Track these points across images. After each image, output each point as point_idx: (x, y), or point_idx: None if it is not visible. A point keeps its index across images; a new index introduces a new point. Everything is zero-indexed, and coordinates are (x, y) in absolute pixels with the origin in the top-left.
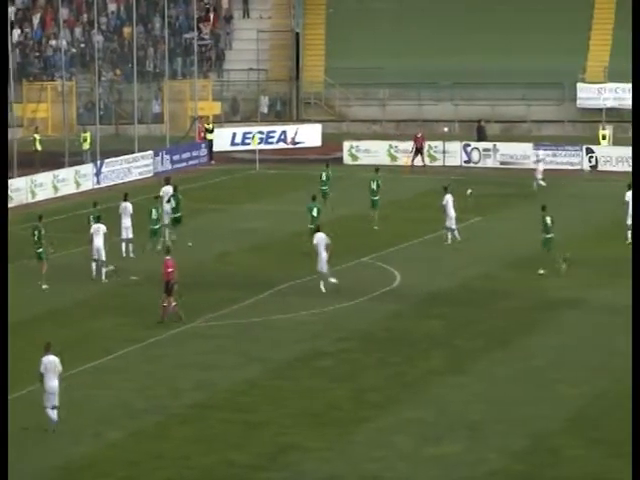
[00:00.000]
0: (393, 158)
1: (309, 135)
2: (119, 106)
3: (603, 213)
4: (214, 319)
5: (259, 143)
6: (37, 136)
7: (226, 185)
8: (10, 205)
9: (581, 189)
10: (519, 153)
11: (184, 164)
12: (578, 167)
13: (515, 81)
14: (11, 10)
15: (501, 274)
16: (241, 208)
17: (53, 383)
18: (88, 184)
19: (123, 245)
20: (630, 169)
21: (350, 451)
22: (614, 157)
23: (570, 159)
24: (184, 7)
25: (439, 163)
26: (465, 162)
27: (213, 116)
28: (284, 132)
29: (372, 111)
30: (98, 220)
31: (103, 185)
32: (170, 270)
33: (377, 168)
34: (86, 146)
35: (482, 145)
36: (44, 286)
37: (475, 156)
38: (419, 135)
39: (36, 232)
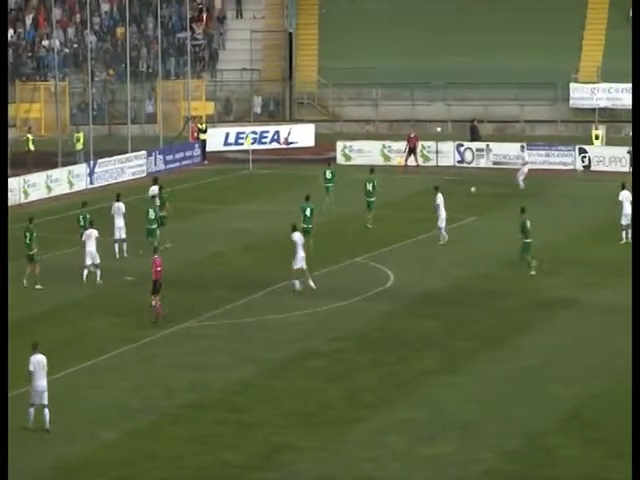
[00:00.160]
0: (386, 158)
1: (302, 135)
2: (112, 106)
3: (596, 213)
4: (208, 319)
5: (252, 143)
6: (30, 136)
7: (219, 185)
8: None
9: (574, 189)
10: (512, 153)
11: (177, 164)
12: (571, 167)
13: (508, 81)
14: None
15: (495, 274)
16: (234, 208)
17: (42, 382)
18: (81, 184)
19: (116, 246)
20: (623, 169)
21: (344, 451)
22: (607, 157)
23: (563, 159)
24: (177, 7)
25: (432, 163)
26: (458, 162)
27: (206, 116)
28: (277, 132)
29: (365, 111)
30: (91, 225)
31: (96, 185)
32: (159, 269)
33: (372, 169)
34: (79, 146)
35: (475, 145)
36: (37, 286)
37: (468, 156)
38: (412, 135)
39: (27, 234)
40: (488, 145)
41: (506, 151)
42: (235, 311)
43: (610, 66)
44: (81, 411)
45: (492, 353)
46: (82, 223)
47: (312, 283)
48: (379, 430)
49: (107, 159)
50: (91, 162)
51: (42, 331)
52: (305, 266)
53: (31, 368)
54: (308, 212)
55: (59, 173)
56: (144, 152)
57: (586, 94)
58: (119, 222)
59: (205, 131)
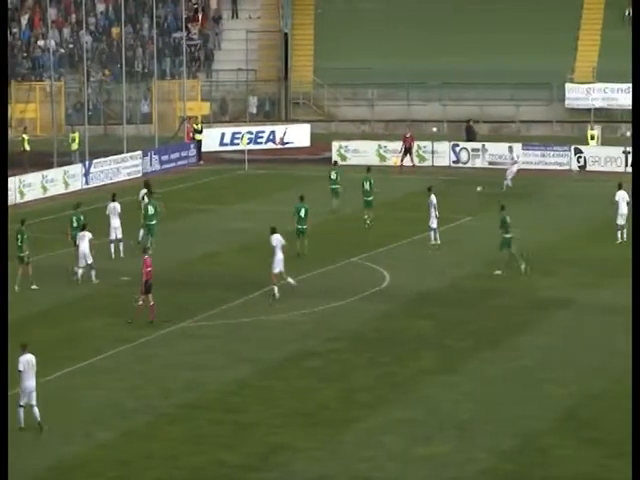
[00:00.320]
0: (382, 158)
1: (298, 135)
2: (108, 106)
3: (592, 213)
4: (204, 319)
5: (248, 143)
6: (26, 136)
7: (215, 185)
8: None
9: (570, 189)
10: (508, 153)
11: (173, 164)
12: (566, 167)
13: (504, 81)
14: None
15: (491, 274)
16: (230, 208)
17: (31, 382)
18: (77, 184)
19: (112, 246)
20: (619, 169)
21: (340, 451)
22: (602, 157)
23: (558, 159)
24: (172, 7)
25: (428, 163)
26: (454, 162)
27: (202, 116)
28: (273, 132)
29: (361, 111)
30: (83, 228)
31: (92, 185)
32: (149, 269)
33: (369, 168)
34: (75, 146)
35: (471, 145)
36: (33, 286)
37: (464, 156)
38: (408, 135)
39: (19, 236)
40: (484, 145)
41: (502, 151)
42: (231, 311)
43: (605, 66)
44: (77, 411)
45: (488, 353)
46: (75, 225)
47: (291, 280)
48: (375, 430)
49: (103, 159)
50: (87, 162)
51: (38, 331)
52: (282, 268)
53: (21, 368)
54: (302, 213)
55: (55, 173)
56: (140, 152)
57: (581, 94)
58: (115, 222)
59: (201, 131)
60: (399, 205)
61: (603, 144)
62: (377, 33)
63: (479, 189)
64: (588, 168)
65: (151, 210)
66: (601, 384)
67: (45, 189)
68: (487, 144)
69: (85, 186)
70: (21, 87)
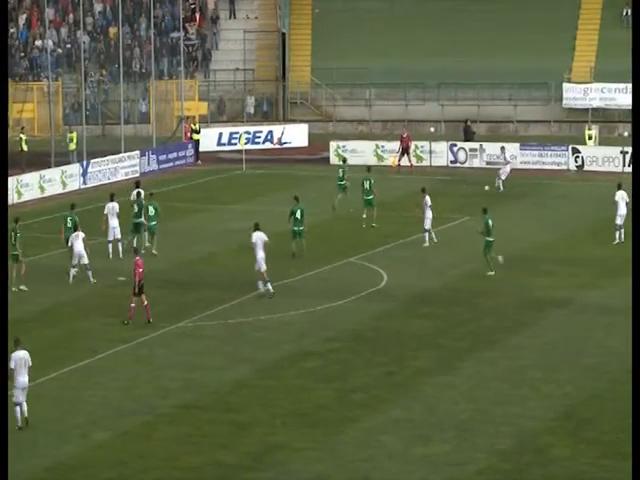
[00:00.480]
0: (380, 158)
1: (296, 135)
2: (105, 106)
3: (589, 213)
4: (202, 319)
5: (246, 143)
6: (23, 136)
7: (213, 185)
8: None
9: (567, 189)
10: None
11: (171, 164)
12: (564, 167)
13: (501, 81)
14: None
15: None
16: (228, 208)
17: (23, 378)
18: (74, 184)
19: (110, 246)
20: (616, 169)
21: (338, 451)
22: (600, 157)
23: (556, 159)
24: (170, 7)
25: (426, 163)
26: (452, 162)
27: (199, 116)
28: (271, 132)
29: (359, 111)
30: (76, 228)
31: (89, 185)
32: (140, 270)
33: (369, 167)
34: (72, 146)
35: (468, 145)
36: (22, 287)
37: (462, 156)
38: (405, 135)
39: (12, 234)
40: (481, 145)
41: (499, 151)
42: (229, 311)
43: (603, 66)
44: (74, 412)
45: (486, 353)
46: (69, 225)
47: (270, 287)
48: (374, 430)
49: (100, 159)
50: (84, 162)
51: (35, 331)
52: (264, 268)
53: (12, 365)
54: (298, 214)
55: (52, 173)
56: (137, 152)
57: (579, 94)
58: (113, 222)
59: (198, 131)
60: (396, 205)
61: (601, 144)
62: (375, 33)
63: (487, 188)
64: (586, 168)
65: (151, 211)
66: (599, 384)
67: (43, 189)
68: (485, 144)
69: (83, 186)
70: (19, 87)
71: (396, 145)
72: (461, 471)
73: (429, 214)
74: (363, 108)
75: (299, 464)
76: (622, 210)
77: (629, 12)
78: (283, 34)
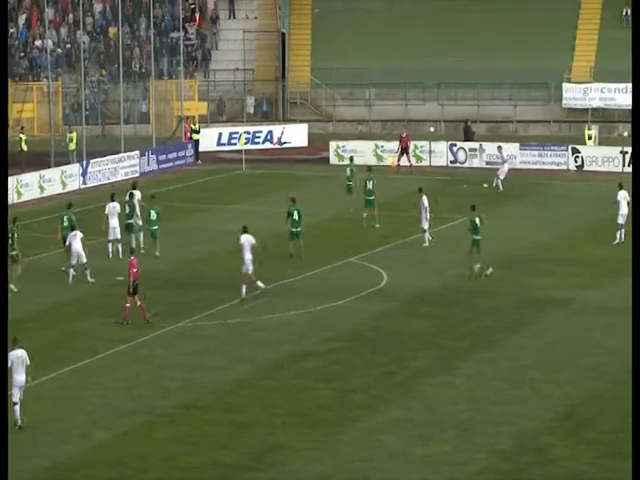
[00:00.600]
0: (379, 158)
1: (295, 135)
2: (105, 106)
3: (589, 213)
4: (201, 319)
5: (246, 143)
6: (23, 136)
7: (212, 185)
8: None
9: (567, 189)
10: (505, 153)
11: (170, 164)
12: (564, 167)
13: (501, 81)
14: None
15: (486, 274)
16: (227, 208)
17: (21, 377)
18: (74, 184)
19: (110, 245)
20: (616, 169)
21: (338, 451)
22: (600, 157)
23: (556, 159)
24: (170, 7)
25: (425, 163)
26: (451, 162)
27: (199, 116)
28: (270, 132)
29: (358, 111)
30: (73, 228)
31: (89, 185)
32: (135, 270)
33: (369, 167)
34: (72, 146)
35: (468, 145)
36: (12, 285)
37: (461, 156)
38: (404, 135)
39: (10, 234)
40: (481, 145)
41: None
42: (229, 311)
43: (603, 66)
44: (74, 412)
45: (486, 353)
46: (66, 224)
47: (261, 283)
48: (374, 430)
49: (100, 159)
50: (84, 162)
51: (35, 331)
52: (252, 270)
53: (9, 364)
54: (296, 215)
55: (52, 173)
56: (137, 152)
57: (579, 94)
58: (113, 222)
59: (198, 131)
60: (396, 205)
61: (600, 144)
62: (375, 33)
63: (485, 185)
64: (585, 168)
65: (153, 215)
66: (599, 384)
67: (42, 189)
68: (484, 144)
69: (83, 186)
70: (18, 87)
71: (395, 145)
72: (461, 471)
73: (426, 215)
74: (363, 108)
75: (299, 464)
76: (624, 210)
77: (629, 12)
78: (283, 34)
